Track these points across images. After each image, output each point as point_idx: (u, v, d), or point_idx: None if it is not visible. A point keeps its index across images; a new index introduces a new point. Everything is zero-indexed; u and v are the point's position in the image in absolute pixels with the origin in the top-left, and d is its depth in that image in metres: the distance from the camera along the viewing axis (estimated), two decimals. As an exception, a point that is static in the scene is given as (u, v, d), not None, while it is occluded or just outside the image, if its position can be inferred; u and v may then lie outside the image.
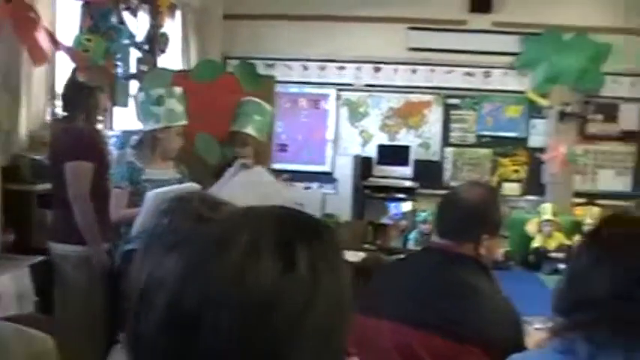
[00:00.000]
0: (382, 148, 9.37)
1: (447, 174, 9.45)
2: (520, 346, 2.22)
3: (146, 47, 6.98)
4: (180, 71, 6.81)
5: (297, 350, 0.82)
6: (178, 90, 4.78)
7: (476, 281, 2.37)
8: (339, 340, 0.91)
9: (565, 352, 1.53)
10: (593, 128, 9.43)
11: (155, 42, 7.21)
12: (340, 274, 0.89)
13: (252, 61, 7.21)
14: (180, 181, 4.48)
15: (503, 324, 2.30)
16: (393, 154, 9.31)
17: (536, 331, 2.88)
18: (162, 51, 7.42)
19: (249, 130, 5.20)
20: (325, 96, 9.51)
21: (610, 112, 9.46)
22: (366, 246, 7.40)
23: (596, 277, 1.57)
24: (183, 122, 4.68)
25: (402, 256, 3.84)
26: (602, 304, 1.54)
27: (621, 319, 1.50)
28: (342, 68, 9.46)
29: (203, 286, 0.80)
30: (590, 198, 9.25)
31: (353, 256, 4.38)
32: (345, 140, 9.53)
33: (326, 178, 9.27)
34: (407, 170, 9.20)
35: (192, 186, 4.09)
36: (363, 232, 8.45)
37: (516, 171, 9.41)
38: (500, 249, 2.61)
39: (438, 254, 2.48)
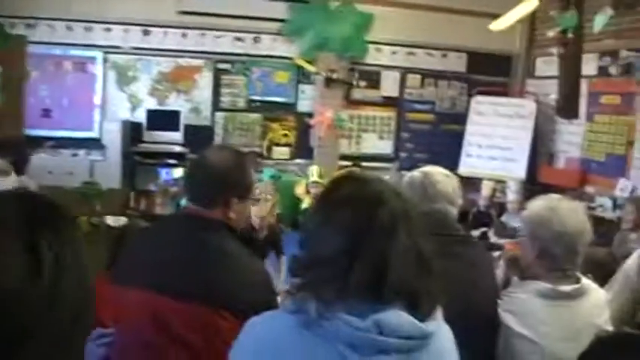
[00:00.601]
0: (152, 113, 9.15)
1: (218, 139, 9.44)
2: (272, 308, 2.27)
3: None
4: None
5: (45, 331, 0.85)
6: None
7: (226, 245, 2.37)
8: (86, 318, 0.95)
9: (296, 312, 1.57)
10: (357, 94, 9.85)
11: None
12: (81, 258, 0.90)
13: (9, 19, 6.74)
14: None
15: (254, 287, 2.33)
16: (163, 120, 9.14)
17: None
18: None
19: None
20: (92, 59, 9.08)
21: (373, 79, 9.90)
22: (129, 212, 7.28)
23: (325, 236, 1.63)
24: None
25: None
26: (329, 262, 1.59)
27: (346, 277, 1.56)
28: (108, 30, 9.06)
29: None
30: (356, 160, 9.69)
31: (115, 221, 4.29)
32: (113, 105, 9.16)
33: (94, 144, 8.89)
34: (177, 135, 9.09)
35: None
36: (127, 198, 8.28)
37: (286, 135, 9.61)
38: (251, 212, 2.62)
39: (187, 220, 2.45)
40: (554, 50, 5.61)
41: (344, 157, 9.68)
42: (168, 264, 2.33)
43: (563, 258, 2.56)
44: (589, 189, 8.50)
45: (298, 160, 9.61)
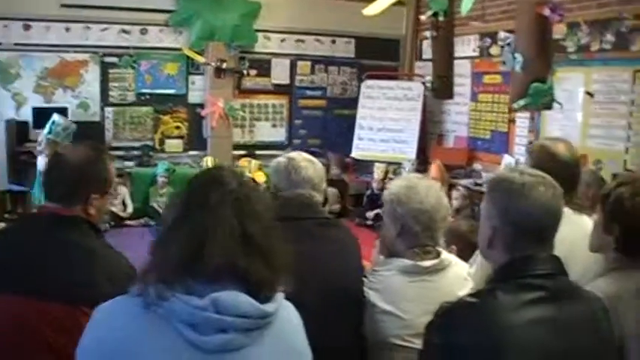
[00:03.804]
0: (38, 111, 8.87)
1: (109, 134, 9.30)
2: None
3: None
4: None
5: None
6: None
7: (87, 242, 2.36)
8: None
9: (140, 295, 1.60)
10: (248, 83, 9.87)
11: None
12: None
13: None
14: None
15: (115, 281, 2.32)
16: (50, 117, 8.88)
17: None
18: None
19: None
20: (-30, 56, 8.80)
21: (263, 67, 9.93)
22: (7, 216, 7.08)
23: (166, 216, 1.68)
24: None
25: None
26: (165, 242, 1.65)
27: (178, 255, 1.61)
28: (-14, 26, 8.78)
29: None
30: (250, 149, 9.72)
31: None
32: (-3, 105, 8.88)
33: (-22, 145, 8.60)
34: (66, 133, 8.86)
35: None
36: (2, 201, 8.03)
37: (178, 127, 9.54)
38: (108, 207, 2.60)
39: (47, 218, 2.43)
40: (428, 34, 5.75)
41: (238, 147, 9.70)
42: (28, 265, 2.30)
43: (423, 234, 2.66)
44: (477, 166, 8.78)
45: (192, 152, 9.56)
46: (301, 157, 2.92)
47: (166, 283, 1.56)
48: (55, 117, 7.45)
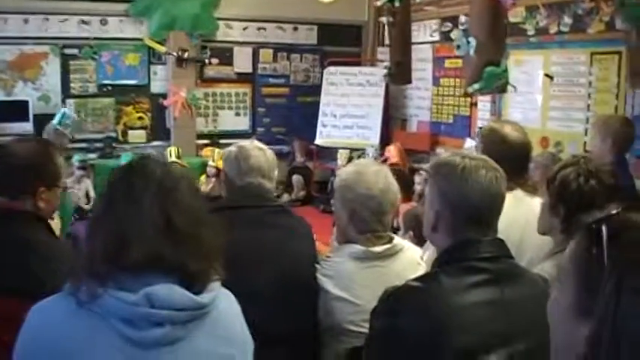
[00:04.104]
0: (-1, 104, 8.80)
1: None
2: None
3: None
4: None
5: None
6: None
7: (31, 235, 2.35)
8: None
9: (73, 293, 1.59)
10: (211, 72, 9.81)
11: None
12: None
13: None
14: None
15: (60, 275, 2.32)
16: (11, 110, 8.75)
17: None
18: None
19: None
20: None
21: (225, 55, 9.88)
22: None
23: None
24: None
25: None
26: (93, 236, 1.66)
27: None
28: (-57, 19, 8.64)
29: None
30: (214, 138, 9.68)
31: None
32: (-46, 99, 8.75)
33: (-63, 140, 8.45)
34: (27, 126, 8.72)
35: None
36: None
37: (141, 118, 9.45)
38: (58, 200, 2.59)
39: (-9, 212, 2.42)
40: (384, 19, 5.77)
41: (202, 136, 9.66)
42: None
43: (372, 219, 2.68)
44: (440, 150, 8.83)
45: (156, 143, 9.45)
46: (252, 145, 2.94)
47: (96, 278, 1.55)
48: (66, 110, 8.05)
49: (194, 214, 1.67)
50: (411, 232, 3.42)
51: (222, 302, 1.72)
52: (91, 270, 1.56)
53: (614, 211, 1.10)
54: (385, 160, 7.68)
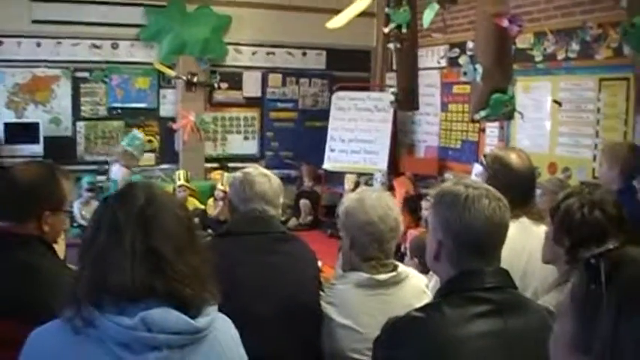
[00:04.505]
0: (10, 127, 8.79)
1: (81, 148, 9.25)
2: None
3: None
4: None
5: None
6: None
7: (37, 260, 2.35)
8: None
9: (71, 319, 1.59)
10: (219, 96, 9.86)
11: None
12: None
13: None
14: None
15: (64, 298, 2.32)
16: (22, 132, 8.83)
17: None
18: None
19: None
20: (-58, 73, 8.72)
21: (235, 80, 9.94)
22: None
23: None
24: None
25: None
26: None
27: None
28: (-43, 42, 8.73)
29: None
30: (222, 162, 9.71)
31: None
32: (-34, 121, 8.80)
33: (-53, 162, 8.51)
34: (37, 148, 8.79)
35: None
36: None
37: (150, 141, 9.49)
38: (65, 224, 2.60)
39: (-3, 237, 2.42)
40: (391, 46, 5.80)
41: (210, 160, 9.71)
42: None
43: (372, 246, 2.67)
44: (448, 175, 8.82)
45: (164, 165, 9.52)
46: (257, 171, 2.94)
47: (91, 304, 1.57)
48: (136, 132, 8.56)
49: (179, 241, 1.67)
50: (417, 259, 3.40)
51: (219, 326, 1.72)
52: (84, 296, 1.58)
53: (611, 246, 1.10)
54: (391, 189, 7.70)
